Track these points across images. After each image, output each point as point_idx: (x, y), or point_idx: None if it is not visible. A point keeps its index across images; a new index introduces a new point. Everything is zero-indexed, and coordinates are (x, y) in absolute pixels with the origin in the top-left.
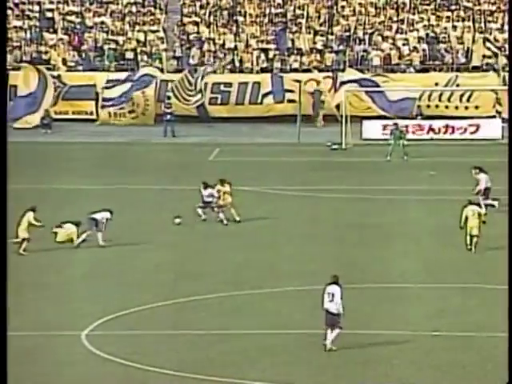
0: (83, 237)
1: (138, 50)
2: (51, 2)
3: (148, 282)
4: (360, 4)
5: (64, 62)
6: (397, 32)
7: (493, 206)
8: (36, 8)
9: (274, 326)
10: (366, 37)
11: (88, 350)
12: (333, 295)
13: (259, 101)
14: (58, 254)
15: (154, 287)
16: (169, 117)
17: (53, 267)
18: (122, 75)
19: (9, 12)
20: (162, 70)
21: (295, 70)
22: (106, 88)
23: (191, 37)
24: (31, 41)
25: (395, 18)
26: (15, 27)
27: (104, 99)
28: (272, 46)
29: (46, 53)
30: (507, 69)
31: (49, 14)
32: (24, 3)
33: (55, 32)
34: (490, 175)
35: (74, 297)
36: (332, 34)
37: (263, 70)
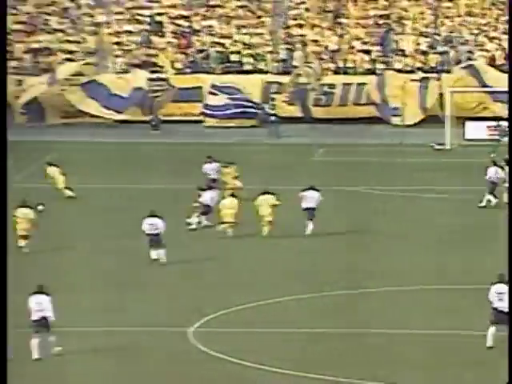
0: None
1: (244, 52)
2: (161, 7)
3: (254, 281)
4: (466, 5)
5: (172, 64)
6: (503, 33)
7: None
8: (146, 12)
9: (379, 325)
10: (472, 37)
11: (195, 346)
12: (502, 294)
13: (363, 102)
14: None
15: (260, 286)
16: (273, 118)
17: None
18: (227, 82)
19: (120, 17)
20: (266, 72)
21: (399, 71)
22: (211, 94)
23: (295, 39)
24: (141, 44)
25: (502, 19)
26: (126, 31)
27: (207, 106)
28: (376, 48)
29: (155, 56)
30: None
31: (158, 18)
32: (135, 8)
33: (164, 36)
34: None
35: (181, 294)
36: (437, 35)
37: (367, 72)
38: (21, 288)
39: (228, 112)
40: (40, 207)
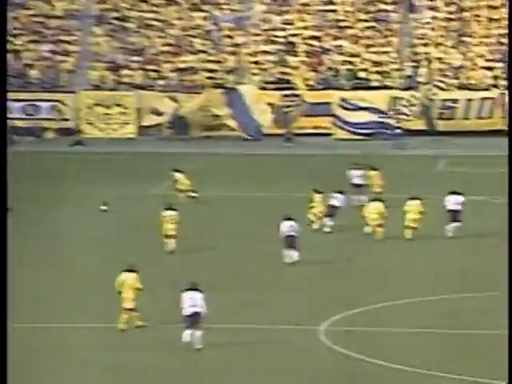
0: None
1: (371, 69)
2: (294, 28)
3: (385, 281)
4: None
5: (304, 81)
6: None
7: None
8: (281, 34)
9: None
10: None
11: (325, 345)
12: None
13: (486, 115)
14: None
15: (391, 286)
16: (398, 131)
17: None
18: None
19: (257, 38)
20: (391, 88)
21: None
22: (345, 109)
23: (420, 56)
24: (276, 63)
25: None
26: (262, 51)
27: (344, 121)
28: (498, 65)
29: (289, 74)
30: None
31: (291, 39)
32: (270, 30)
33: (297, 55)
34: None
35: (317, 292)
36: None
37: (489, 87)
38: (170, 284)
39: (364, 131)
40: (103, 207)
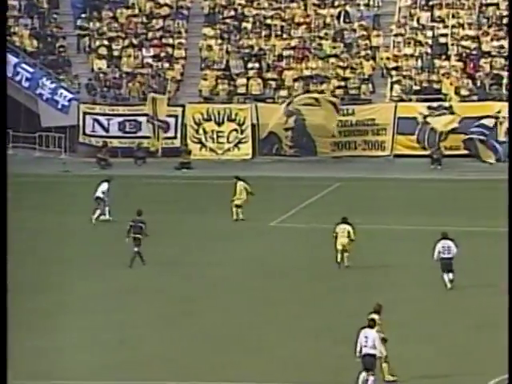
0: None
1: None
2: (445, 27)
3: None
4: None
5: (457, 90)
6: None
7: None
8: (429, 33)
9: None
10: None
11: None
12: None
13: None
14: None
15: None
16: None
17: None
18: None
19: (400, 39)
20: None
21: None
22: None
23: None
24: (422, 69)
25: None
26: (405, 55)
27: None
28: None
29: (438, 82)
30: None
31: (442, 40)
32: (416, 29)
33: (448, 59)
34: None
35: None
36: None
37: None
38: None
39: None
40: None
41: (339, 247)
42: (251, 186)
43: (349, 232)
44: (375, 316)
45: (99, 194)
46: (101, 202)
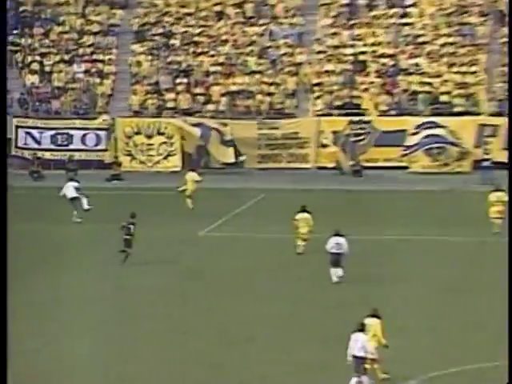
0: None
1: (455, 92)
2: (365, 45)
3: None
4: None
5: (376, 106)
6: None
7: None
8: (350, 51)
9: None
10: None
11: None
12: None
13: None
14: None
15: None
16: (487, 163)
17: None
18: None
19: (322, 56)
20: (479, 114)
21: None
22: (412, 134)
23: None
24: (343, 85)
25: None
26: (327, 71)
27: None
28: None
29: (359, 97)
30: None
31: (362, 57)
32: (338, 46)
33: (367, 75)
34: None
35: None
36: None
37: None
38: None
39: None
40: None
41: (301, 236)
42: (179, 196)
43: (308, 220)
44: (372, 320)
45: (73, 194)
46: (76, 201)
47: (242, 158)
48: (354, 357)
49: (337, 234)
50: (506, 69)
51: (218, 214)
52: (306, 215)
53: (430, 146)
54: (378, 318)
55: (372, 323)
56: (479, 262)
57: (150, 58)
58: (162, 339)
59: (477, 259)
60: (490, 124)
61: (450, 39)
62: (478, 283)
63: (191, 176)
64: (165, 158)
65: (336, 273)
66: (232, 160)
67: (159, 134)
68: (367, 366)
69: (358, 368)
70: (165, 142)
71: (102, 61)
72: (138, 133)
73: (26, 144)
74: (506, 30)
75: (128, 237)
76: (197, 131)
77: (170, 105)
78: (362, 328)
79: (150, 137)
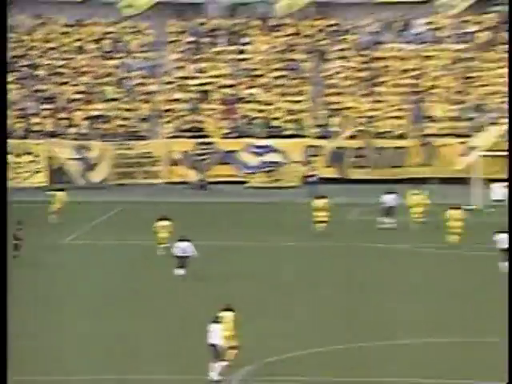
0: None
1: (285, 118)
2: (208, 77)
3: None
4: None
5: (218, 129)
6: None
7: None
8: (195, 82)
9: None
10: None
11: None
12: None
13: (398, 164)
14: None
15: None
16: (313, 179)
17: None
18: (265, 143)
19: (170, 86)
20: (305, 136)
21: (429, 136)
22: (249, 153)
23: (333, 106)
24: (190, 111)
25: None
26: (176, 99)
27: (245, 165)
28: (408, 113)
29: (203, 122)
30: None
31: (205, 87)
32: (184, 78)
33: (210, 103)
34: None
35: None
36: (464, 102)
37: (401, 136)
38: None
39: (265, 169)
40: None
41: (161, 241)
42: (42, 209)
43: (167, 227)
44: (226, 314)
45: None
46: None
47: (101, 178)
48: (211, 345)
49: (182, 240)
50: (330, 98)
51: (80, 224)
52: (166, 222)
53: (268, 168)
54: (232, 311)
55: (226, 316)
56: (302, 262)
57: (18, 86)
58: None
59: (300, 260)
60: (315, 145)
61: (281, 72)
62: (303, 280)
63: (60, 195)
64: (32, 174)
65: (179, 273)
66: (96, 180)
67: (27, 153)
68: (223, 352)
69: (216, 355)
70: (33, 161)
71: None
72: (8, 153)
73: None
74: (326, 65)
75: (17, 241)
76: (63, 152)
77: (36, 128)
78: (217, 320)
79: (18, 155)
